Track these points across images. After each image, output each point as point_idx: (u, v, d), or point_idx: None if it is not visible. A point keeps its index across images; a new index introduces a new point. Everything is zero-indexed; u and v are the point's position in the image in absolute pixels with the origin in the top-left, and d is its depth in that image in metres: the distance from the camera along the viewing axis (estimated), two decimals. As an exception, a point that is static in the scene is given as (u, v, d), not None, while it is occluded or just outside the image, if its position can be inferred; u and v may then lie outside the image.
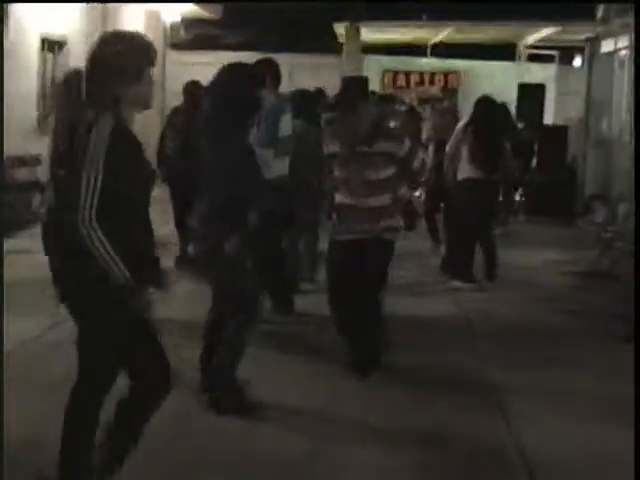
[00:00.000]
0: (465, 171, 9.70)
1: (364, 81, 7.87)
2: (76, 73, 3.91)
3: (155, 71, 3.98)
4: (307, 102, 9.23)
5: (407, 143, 6.56)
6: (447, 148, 10.04)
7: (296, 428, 5.51)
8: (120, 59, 3.86)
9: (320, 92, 11.55)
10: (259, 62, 7.43)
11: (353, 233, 6.49)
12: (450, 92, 18.90)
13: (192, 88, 9.74)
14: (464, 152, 9.69)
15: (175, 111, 10.13)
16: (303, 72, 21.14)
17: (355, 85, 7.07)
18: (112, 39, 3.99)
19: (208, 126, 5.76)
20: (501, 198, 11.42)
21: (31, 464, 4.43)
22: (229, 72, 5.78)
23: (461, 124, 10.13)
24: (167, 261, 8.96)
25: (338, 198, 6.63)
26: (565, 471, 5.06)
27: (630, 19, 14.66)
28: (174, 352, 4.17)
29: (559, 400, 6.18)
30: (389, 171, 6.45)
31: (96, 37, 3.96)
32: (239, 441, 5.22)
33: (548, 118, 20.17)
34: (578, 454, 5.25)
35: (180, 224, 9.64)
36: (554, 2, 18.09)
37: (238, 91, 5.66)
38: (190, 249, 5.70)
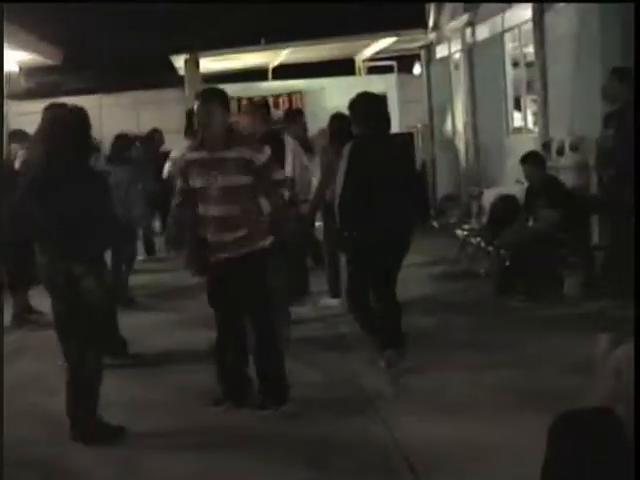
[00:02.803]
0: None
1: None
2: None
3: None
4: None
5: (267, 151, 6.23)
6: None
7: (182, 447, 5.61)
8: None
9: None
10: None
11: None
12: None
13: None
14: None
15: None
16: (148, 108, 21.11)
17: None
18: None
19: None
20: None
21: None
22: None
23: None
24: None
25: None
26: (447, 469, 5.15)
27: (459, 23, 15.13)
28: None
29: (434, 399, 6.34)
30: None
31: None
32: None
33: (394, 127, 20.50)
34: (458, 451, 5.36)
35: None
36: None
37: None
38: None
